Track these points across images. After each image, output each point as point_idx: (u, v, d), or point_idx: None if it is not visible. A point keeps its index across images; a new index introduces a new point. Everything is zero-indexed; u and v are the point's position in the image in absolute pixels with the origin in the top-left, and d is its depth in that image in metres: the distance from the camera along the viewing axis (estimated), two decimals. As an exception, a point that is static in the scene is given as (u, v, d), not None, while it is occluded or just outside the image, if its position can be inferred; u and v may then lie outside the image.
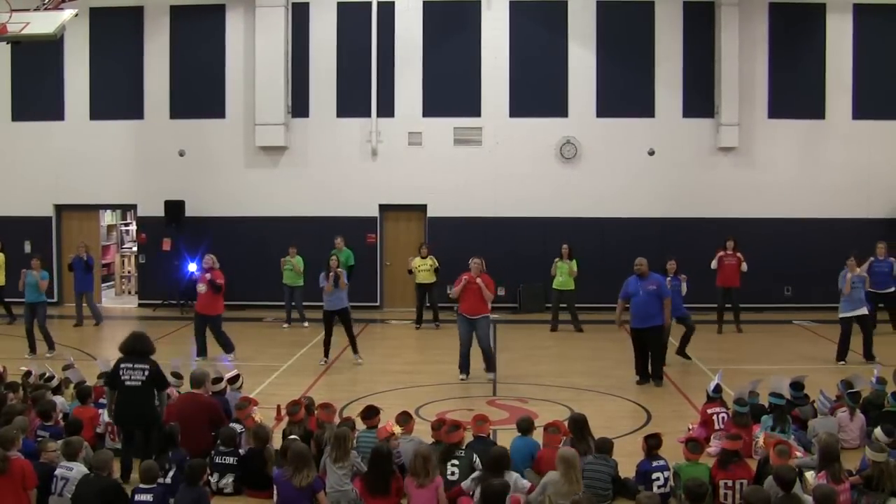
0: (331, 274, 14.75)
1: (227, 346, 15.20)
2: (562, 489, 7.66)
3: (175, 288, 20.65)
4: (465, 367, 13.83)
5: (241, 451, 8.88)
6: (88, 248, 19.68)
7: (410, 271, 18.98)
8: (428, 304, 18.98)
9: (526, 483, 7.97)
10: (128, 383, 8.94)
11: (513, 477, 7.94)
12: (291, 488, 7.84)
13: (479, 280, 13.59)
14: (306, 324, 18.60)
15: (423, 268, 18.81)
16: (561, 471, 7.74)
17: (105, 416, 9.74)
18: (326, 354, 15.06)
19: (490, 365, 13.85)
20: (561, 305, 18.37)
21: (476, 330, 13.68)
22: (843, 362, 14.56)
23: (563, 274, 18.21)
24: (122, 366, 9.04)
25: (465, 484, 8.03)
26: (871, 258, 16.69)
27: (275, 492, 8.14)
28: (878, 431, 8.53)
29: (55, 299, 20.51)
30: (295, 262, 18.73)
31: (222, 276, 15.21)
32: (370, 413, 9.33)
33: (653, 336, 13.34)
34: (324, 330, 15.10)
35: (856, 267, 14.80)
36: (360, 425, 9.42)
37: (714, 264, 17.96)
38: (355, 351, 15.09)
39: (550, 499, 7.67)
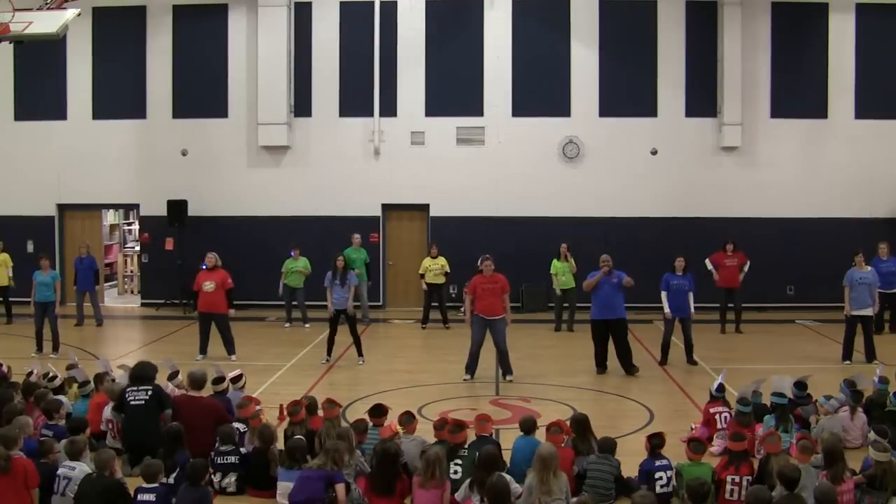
0: (337, 275, 14.82)
1: (231, 346, 15.21)
2: (538, 487, 7.60)
3: (177, 287, 20.64)
4: (472, 367, 13.75)
5: (242, 450, 8.88)
6: (90, 248, 19.72)
7: (423, 274, 19.00)
8: (436, 304, 18.96)
9: (518, 487, 7.83)
10: (133, 402, 9.46)
11: (505, 479, 7.73)
12: (306, 475, 7.88)
13: (496, 284, 13.67)
14: (307, 325, 18.60)
15: (434, 267, 18.81)
16: (536, 470, 7.67)
17: (107, 412, 9.76)
18: (329, 353, 15.07)
19: (506, 367, 13.80)
20: (563, 305, 18.39)
21: (492, 331, 13.63)
22: (848, 362, 14.50)
23: (566, 273, 18.24)
24: (129, 389, 9.61)
25: (459, 495, 7.92)
26: (875, 259, 16.62)
27: (277, 492, 8.16)
28: (872, 434, 8.53)
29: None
30: (300, 265, 18.71)
31: (229, 275, 15.25)
32: (378, 412, 9.31)
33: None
34: (329, 329, 15.13)
35: (863, 263, 14.75)
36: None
37: (709, 265, 17.97)
38: (360, 353, 15.11)
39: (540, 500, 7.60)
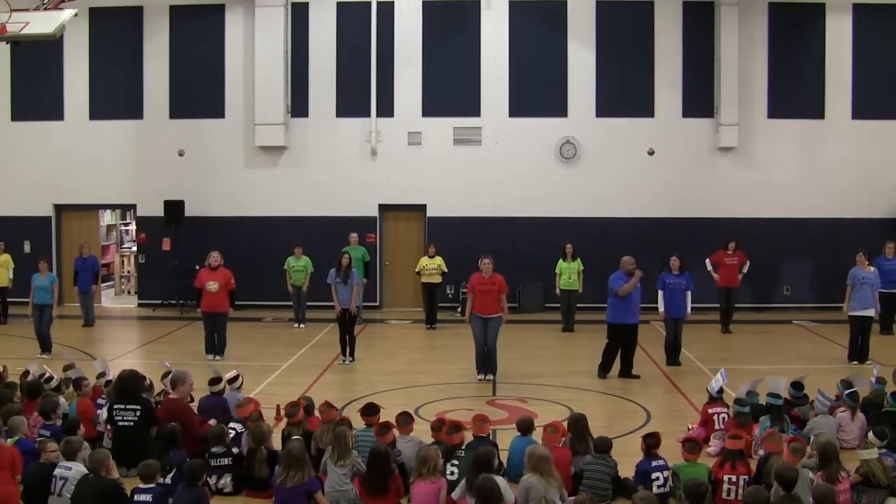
0: (340, 273, 14.87)
1: (221, 350, 15.25)
2: (543, 489, 7.60)
3: (175, 288, 20.62)
4: (482, 366, 13.76)
5: (235, 450, 8.88)
6: (90, 247, 19.72)
7: (419, 272, 18.99)
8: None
9: (511, 496, 7.68)
10: (120, 423, 9.29)
11: (501, 483, 7.61)
12: (284, 489, 7.83)
13: (494, 285, 13.62)
14: (303, 325, 18.64)
15: (430, 267, 18.80)
16: (542, 469, 7.66)
17: (103, 414, 9.74)
18: (344, 353, 15.10)
19: (491, 366, 13.79)
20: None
21: (486, 329, 13.64)
22: (856, 362, 14.44)
23: (573, 274, 18.24)
24: (115, 407, 9.41)
25: (455, 494, 7.95)
26: (880, 257, 16.63)
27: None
28: (871, 436, 8.54)
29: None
30: (302, 264, 18.72)
31: (233, 276, 15.31)
32: (370, 411, 9.30)
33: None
34: (339, 329, 15.16)
35: (865, 263, 14.72)
36: (359, 423, 9.41)
37: (709, 265, 18.00)
38: (352, 353, 15.13)
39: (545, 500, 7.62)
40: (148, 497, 7.60)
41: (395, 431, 8.93)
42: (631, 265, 13.88)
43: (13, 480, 7.75)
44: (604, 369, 13.96)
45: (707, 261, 18.14)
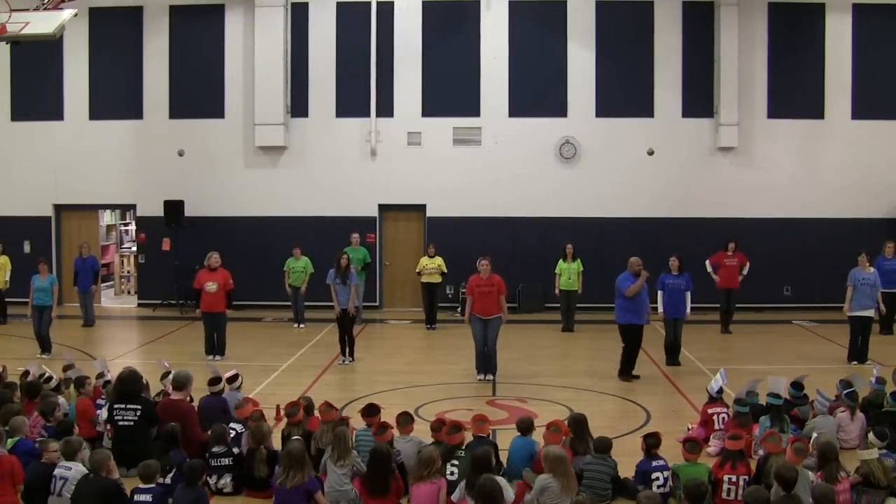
0: (338, 274, 14.91)
1: (221, 350, 15.27)
2: (560, 489, 7.62)
3: (174, 288, 20.62)
4: (482, 367, 13.78)
5: (235, 450, 8.88)
6: (90, 248, 19.73)
7: (420, 272, 18.99)
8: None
9: (511, 494, 7.74)
10: (120, 423, 9.30)
11: (502, 483, 7.63)
12: (284, 490, 7.83)
13: (493, 287, 13.63)
14: (303, 325, 18.65)
15: (430, 267, 18.80)
16: (560, 471, 7.69)
17: (103, 414, 9.75)
18: (343, 353, 15.12)
19: (490, 367, 13.81)
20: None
21: (486, 329, 13.66)
22: (856, 362, 14.44)
23: (573, 274, 18.25)
24: (115, 407, 9.41)
25: (455, 496, 7.94)
26: (880, 257, 16.62)
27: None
28: (871, 436, 8.55)
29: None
30: (301, 265, 18.73)
31: (231, 276, 15.35)
32: (371, 411, 9.30)
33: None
34: (338, 329, 15.19)
35: (866, 263, 14.72)
36: (359, 423, 9.42)
37: (708, 266, 18.00)
38: (351, 353, 15.15)
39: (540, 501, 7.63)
40: (148, 497, 7.60)
41: (395, 431, 8.93)
42: (638, 266, 13.86)
43: (13, 491, 7.73)
44: (624, 372, 13.86)
45: (707, 262, 18.14)
